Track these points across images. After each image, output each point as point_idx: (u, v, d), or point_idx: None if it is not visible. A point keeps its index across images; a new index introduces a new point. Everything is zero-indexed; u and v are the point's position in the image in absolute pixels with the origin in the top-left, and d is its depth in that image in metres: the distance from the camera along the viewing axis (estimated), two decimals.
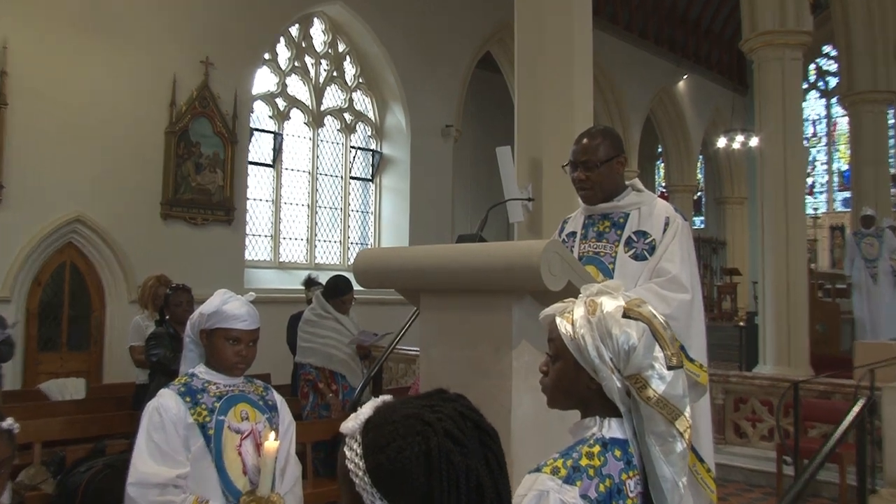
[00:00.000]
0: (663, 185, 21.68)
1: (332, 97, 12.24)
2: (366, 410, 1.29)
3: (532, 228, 6.23)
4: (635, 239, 3.07)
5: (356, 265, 2.97)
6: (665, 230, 3.04)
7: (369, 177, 12.66)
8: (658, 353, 1.63)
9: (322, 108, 12.01)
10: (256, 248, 11.06)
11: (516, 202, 6.08)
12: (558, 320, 1.71)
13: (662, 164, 21.87)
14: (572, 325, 1.68)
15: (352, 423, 1.28)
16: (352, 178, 12.44)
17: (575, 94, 6.25)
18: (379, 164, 12.67)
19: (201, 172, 9.47)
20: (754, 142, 13.75)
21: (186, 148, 9.36)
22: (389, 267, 2.85)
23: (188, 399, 2.63)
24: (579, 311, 1.69)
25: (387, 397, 1.32)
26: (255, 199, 10.94)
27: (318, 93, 11.96)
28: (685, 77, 18.97)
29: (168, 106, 9.32)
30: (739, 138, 18.03)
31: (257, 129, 11.00)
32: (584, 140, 3.17)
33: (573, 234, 3.27)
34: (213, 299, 2.72)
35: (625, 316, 1.65)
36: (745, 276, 18.54)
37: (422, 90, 12.54)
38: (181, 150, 9.31)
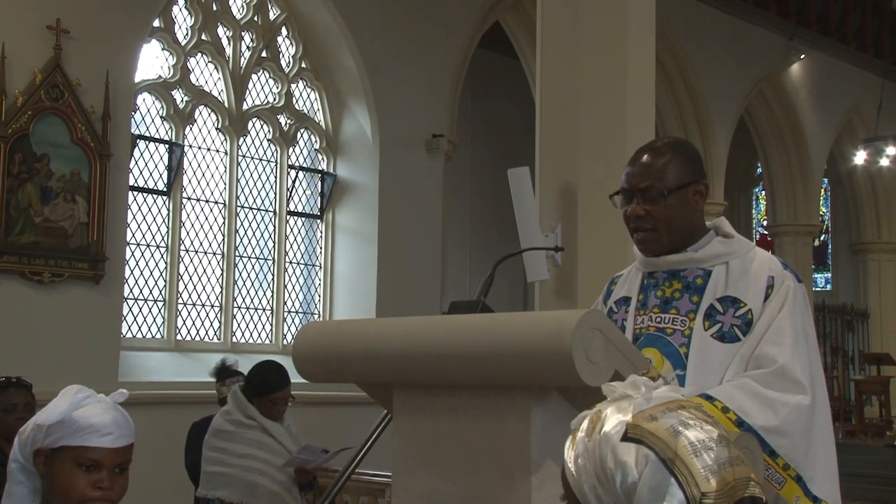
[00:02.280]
0: (765, 224, 21.78)
1: (260, 90, 12.35)
2: None
3: (562, 292, 6.27)
4: (721, 309, 3.14)
5: (297, 347, 3.03)
6: (768, 296, 3.11)
7: (316, 212, 12.73)
8: (674, 496, 1.56)
9: (245, 108, 12.12)
10: (140, 320, 11.06)
11: (538, 252, 6.11)
12: (567, 443, 1.73)
13: (764, 194, 21.98)
14: (574, 451, 1.70)
15: None
16: (290, 213, 12.50)
17: (630, 86, 6.33)
18: (332, 192, 12.73)
19: (51, 202, 9.38)
20: None
21: (26, 163, 9.25)
22: (347, 350, 2.89)
23: None
24: (584, 428, 1.70)
25: None
26: (138, 245, 10.96)
27: (239, 83, 12.07)
28: (802, 57, 18.78)
29: None
30: (891, 150, 17.98)
31: (143, 137, 11.05)
32: (644, 157, 3.25)
33: (625, 300, 3.34)
34: (58, 402, 2.69)
35: (626, 437, 1.62)
36: None
37: (397, 81, 12.65)
38: (17, 165, 9.20)
